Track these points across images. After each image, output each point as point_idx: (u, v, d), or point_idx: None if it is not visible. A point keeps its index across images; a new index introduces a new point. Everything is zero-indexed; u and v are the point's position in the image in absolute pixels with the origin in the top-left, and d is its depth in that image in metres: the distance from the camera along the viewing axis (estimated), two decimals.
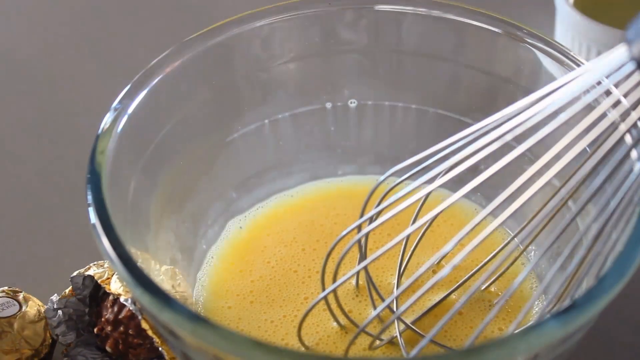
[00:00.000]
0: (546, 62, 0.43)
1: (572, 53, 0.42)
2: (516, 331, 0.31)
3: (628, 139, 0.34)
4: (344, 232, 0.38)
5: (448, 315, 0.33)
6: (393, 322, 0.38)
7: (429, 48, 0.47)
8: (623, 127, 0.32)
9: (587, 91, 0.33)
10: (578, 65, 0.42)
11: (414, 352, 0.36)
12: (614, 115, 0.32)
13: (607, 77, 0.32)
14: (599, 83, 0.33)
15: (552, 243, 0.35)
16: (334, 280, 0.39)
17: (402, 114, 0.50)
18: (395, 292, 0.36)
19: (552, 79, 0.43)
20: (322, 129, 0.50)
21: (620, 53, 0.31)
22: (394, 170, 0.38)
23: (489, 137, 0.34)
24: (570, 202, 0.39)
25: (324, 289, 0.41)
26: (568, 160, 0.32)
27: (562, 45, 0.43)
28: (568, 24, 0.61)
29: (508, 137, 0.33)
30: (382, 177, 0.39)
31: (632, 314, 0.48)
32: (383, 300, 0.42)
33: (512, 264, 0.43)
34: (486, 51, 0.46)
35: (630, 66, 0.31)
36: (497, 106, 0.48)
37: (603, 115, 0.32)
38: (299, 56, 0.48)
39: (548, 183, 0.32)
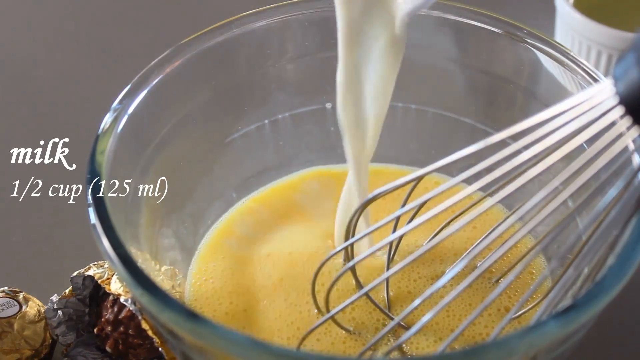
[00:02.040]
0: (546, 62, 0.43)
1: (572, 53, 0.42)
2: (515, 330, 0.31)
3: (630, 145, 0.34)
4: (331, 253, 0.38)
5: (465, 322, 0.33)
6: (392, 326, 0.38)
7: (429, 48, 0.47)
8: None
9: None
10: (578, 66, 0.42)
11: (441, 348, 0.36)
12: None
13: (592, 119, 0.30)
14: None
15: (570, 248, 0.34)
16: (327, 294, 0.39)
17: (402, 114, 0.50)
18: (404, 312, 0.35)
19: (552, 79, 0.44)
20: (322, 129, 0.50)
21: (606, 92, 0.30)
22: (382, 190, 0.37)
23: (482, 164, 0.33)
24: (570, 203, 0.39)
25: (316, 304, 0.41)
26: (583, 182, 0.31)
27: (562, 45, 0.43)
28: (568, 24, 0.61)
29: (503, 171, 0.32)
30: (372, 194, 0.38)
31: (632, 313, 0.48)
32: (375, 304, 0.42)
33: (523, 267, 0.43)
34: (486, 51, 0.46)
35: (619, 111, 0.29)
36: (497, 106, 0.48)
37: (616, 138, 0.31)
38: (299, 56, 0.48)
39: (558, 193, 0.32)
